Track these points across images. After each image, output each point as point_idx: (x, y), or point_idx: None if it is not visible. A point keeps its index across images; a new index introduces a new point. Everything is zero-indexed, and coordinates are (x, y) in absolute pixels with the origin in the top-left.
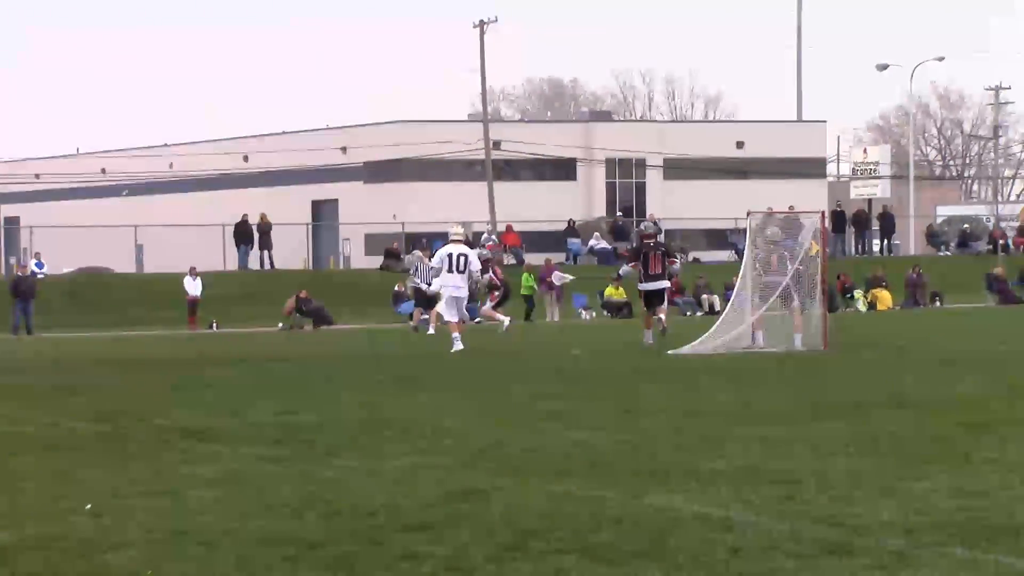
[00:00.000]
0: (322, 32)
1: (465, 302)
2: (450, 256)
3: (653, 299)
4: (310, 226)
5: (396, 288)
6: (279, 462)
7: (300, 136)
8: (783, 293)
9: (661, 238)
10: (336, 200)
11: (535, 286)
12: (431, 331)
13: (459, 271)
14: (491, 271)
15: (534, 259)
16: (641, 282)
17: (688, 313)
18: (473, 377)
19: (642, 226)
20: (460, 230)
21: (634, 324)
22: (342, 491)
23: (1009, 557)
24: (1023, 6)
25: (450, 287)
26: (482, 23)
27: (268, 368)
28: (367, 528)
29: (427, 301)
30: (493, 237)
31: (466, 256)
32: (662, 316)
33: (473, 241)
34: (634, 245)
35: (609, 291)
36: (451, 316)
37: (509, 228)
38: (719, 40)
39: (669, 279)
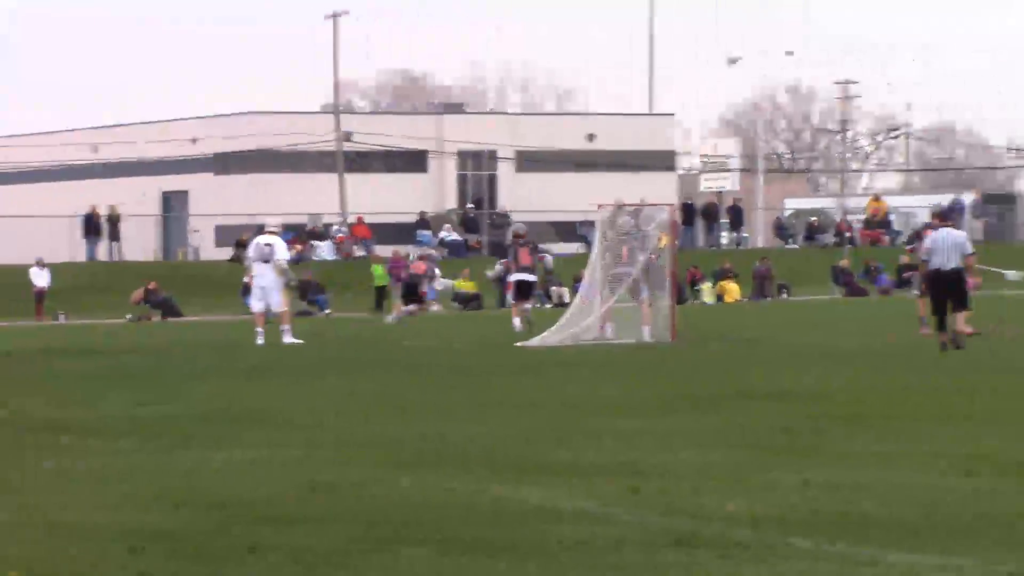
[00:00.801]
0: (173, 22)
1: (275, 292)
2: (258, 246)
3: (522, 289)
4: (160, 217)
5: (245, 279)
6: (132, 454)
7: (150, 127)
8: (632, 284)
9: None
10: (186, 191)
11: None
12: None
13: (264, 260)
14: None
15: (385, 251)
16: (511, 273)
17: (537, 305)
18: (326, 368)
19: (515, 227)
20: (277, 222)
21: (484, 316)
22: (196, 483)
23: (855, 548)
24: (869, 2)
25: (256, 276)
26: (335, 15)
27: (120, 359)
28: (219, 520)
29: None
30: (343, 229)
31: (272, 246)
32: (527, 308)
33: (324, 232)
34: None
35: (459, 283)
36: (256, 307)
37: (360, 220)
38: (571, 33)
39: (548, 273)
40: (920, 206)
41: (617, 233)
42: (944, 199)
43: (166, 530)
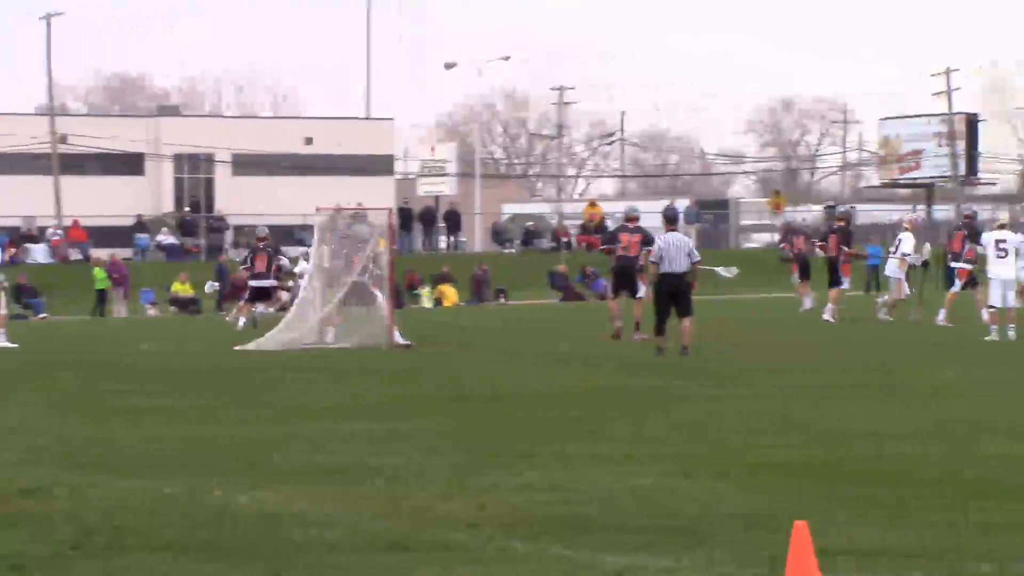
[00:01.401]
0: None
1: None
2: None
3: (257, 294)
4: None
5: None
6: None
7: None
8: (362, 290)
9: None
10: None
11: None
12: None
13: None
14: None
15: (102, 254)
16: (250, 280)
17: (268, 309)
18: (38, 372)
19: (257, 229)
20: None
21: (200, 321)
22: None
23: (570, 550)
24: (585, 8)
25: None
26: (48, 16)
27: None
28: None
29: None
30: (58, 232)
31: None
32: (260, 309)
33: (38, 235)
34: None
35: (176, 287)
36: None
37: (76, 223)
38: (289, 36)
39: (278, 276)
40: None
41: (354, 239)
42: (642, 205)
43: None
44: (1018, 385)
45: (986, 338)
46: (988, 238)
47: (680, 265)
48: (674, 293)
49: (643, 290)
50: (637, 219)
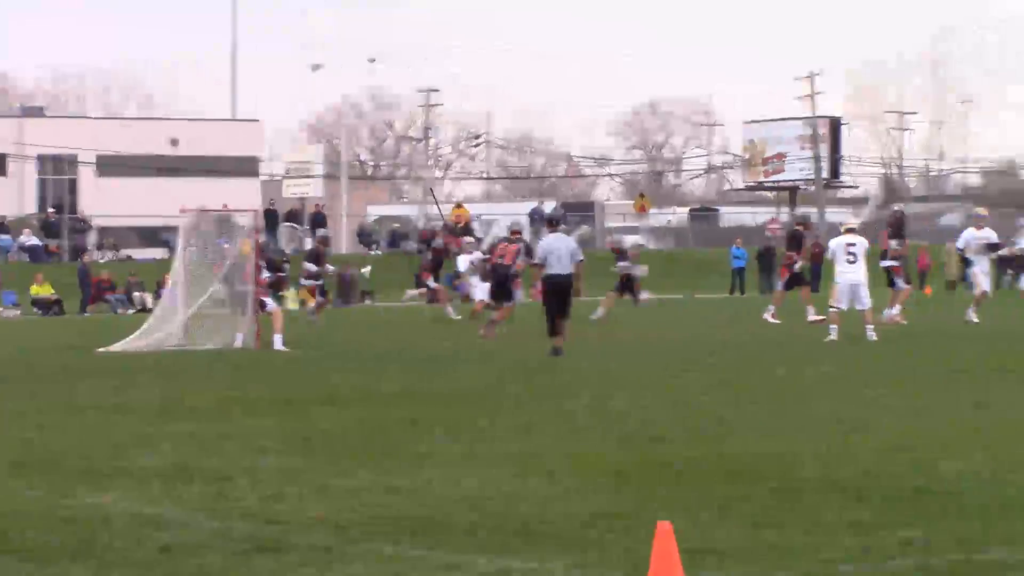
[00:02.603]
0: None
1: None
2: None
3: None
4: None
5: None
6: None
7: None
8: (243, 297)
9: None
10: None
11: None
12: None
13: None
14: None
15: None
16: None
17: (120, 310)
18: None
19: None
20: None
21: (64, 321)
22: None
23: (434, 551)
24: (463, 7)
25: None
26: None
27: None
28: None
29: None
30: None
31: None
32: None
33: None
34: None
35: (35, 289)
36: None
37: None
38: (155, 36)
39: None
40: (503, 213)
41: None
42: (508, 207)
43: None
44: (885, 387)
45: (826, 339)
46: (838, 242)
47: (565, 266)
48: (559, 293)
49: (519, 294)
50: (520, 233)
